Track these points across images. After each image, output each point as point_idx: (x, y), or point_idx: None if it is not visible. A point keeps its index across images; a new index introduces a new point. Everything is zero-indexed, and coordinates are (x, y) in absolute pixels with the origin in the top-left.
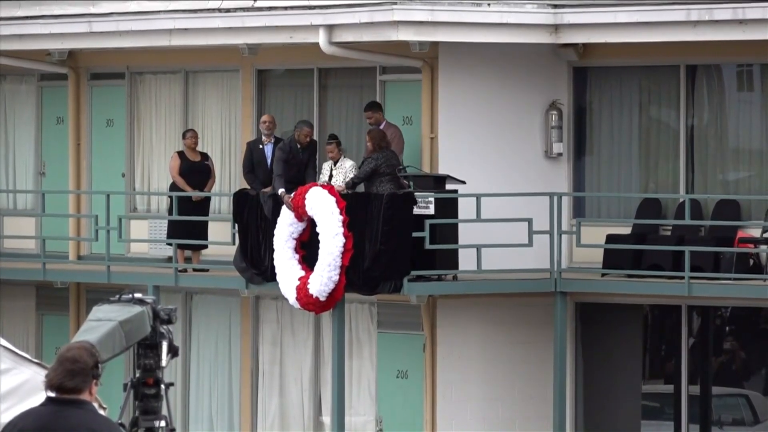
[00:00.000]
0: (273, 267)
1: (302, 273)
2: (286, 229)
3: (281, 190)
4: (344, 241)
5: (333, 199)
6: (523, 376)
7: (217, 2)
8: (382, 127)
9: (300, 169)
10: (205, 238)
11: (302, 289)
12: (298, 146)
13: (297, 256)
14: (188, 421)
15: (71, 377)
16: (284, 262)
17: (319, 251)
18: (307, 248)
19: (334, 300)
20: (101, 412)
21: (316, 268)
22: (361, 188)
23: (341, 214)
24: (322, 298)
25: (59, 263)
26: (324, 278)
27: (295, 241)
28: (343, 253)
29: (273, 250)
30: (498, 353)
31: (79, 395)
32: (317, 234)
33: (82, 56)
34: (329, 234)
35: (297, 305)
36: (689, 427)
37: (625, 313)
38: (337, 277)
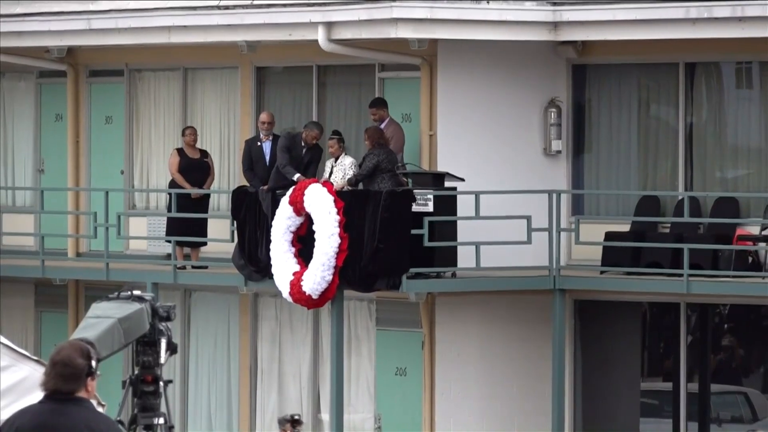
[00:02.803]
0: (271, 264)
1: (297, 267)
2: (283, 222)
3: (297, 175)
4: (339, 241)
5: (331, 198)
6: (522, 373)
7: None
8: (385, 123)
9: (299, 167)
10: (204, 235)
11: (296, 285)
12: (303, 144)
13: (293, 249)
14: (187, 419)
15: (64, 381)
16: (280, 255)
17: (314, 250)
18: (304, 242)
19: (326, 298)
20: (99, 409)
21: (310, 266)
22: (360, 185)
23: (338, 214)
24: (314, 296)
25: (58, 260)
26: (317, 277)
27: (292, 235)
28: (338, 254)
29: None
30: (496, 350)
31: (75, 394)
32: (314, 227)
33: (81, 53)
34: (325, 234)
35: (290, 299)
36: (688, 424)
37: (623, 310)
38: (331, 277)
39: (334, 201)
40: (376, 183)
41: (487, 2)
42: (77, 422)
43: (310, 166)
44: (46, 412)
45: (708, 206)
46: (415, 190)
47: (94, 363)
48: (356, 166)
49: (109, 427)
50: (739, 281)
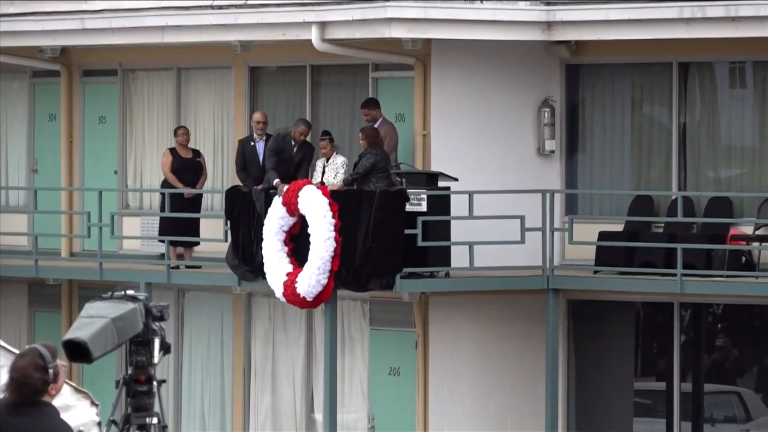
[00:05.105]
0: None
1: (290, 267)
2: (276, 222)
3: (276, 180)
4: (335, 245)
5: (326, 201)
6: (515, 373)
7: None
8: (378, 123)
9: (290, 167)
10: (197, 235)
11: (290, 287)
12: (293, 143)
13: (286, 248)
14: (180, 419)
15: (22, 396)
16: (272, 255)
17: (309, 253)
18: (297, 241)
19: (320, 300)
20: (93, 408)
21: (305, 268)
22: (354, 185)
23: (334, 217)
24: (308, 299)
25: (51, 260)
26: (312, 280)
27: (284, 234)
28: (333, 258)
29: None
30: (490, 350)
31: (37, 400)
32: (308, 227)
33: (74, 53)
34: (320, 238)
35: (283, 299)
36: (681, 424)
37: (617, 310)
38: (326, 281)
39: (329, 204)
40: (369, 183)
41: (481, 2)
42: (34, 426)
43: (302, 165)
44: (7, 412)
45: (701, 206)
46: (408, 190)
47: (51, 371)
48: (347, 165)
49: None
50: (733, 281)
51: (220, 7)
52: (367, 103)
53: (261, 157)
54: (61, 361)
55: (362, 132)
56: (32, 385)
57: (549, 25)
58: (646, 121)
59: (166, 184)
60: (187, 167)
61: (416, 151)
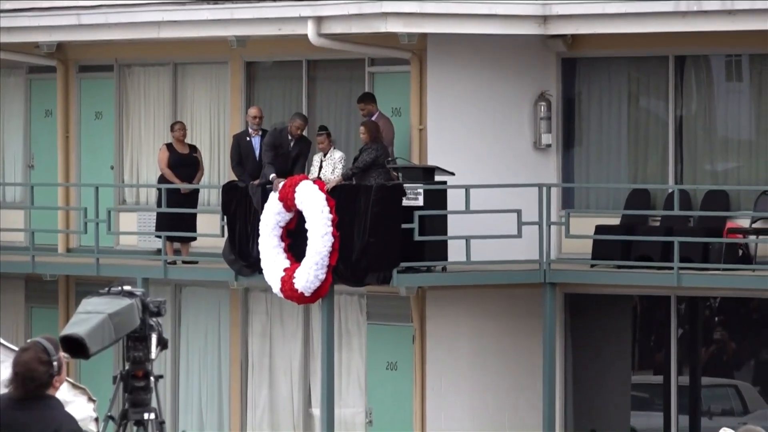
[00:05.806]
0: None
1: (287, 263)
2: (272, 217)
3: (273, 175)
4: (333, 241)
5: (323, 197)
6: (513, 366)
7: None
8: (374, 118)
9: (287, 161)
10: (194, 230)
11: (287, 282)
12: (289, 137)
13: (283, 244)
14: (178, 414)
15: (27, 391)
16: (269, 250)
17: (307, 249)
18: (294, 236)
19: (318, 295)
20: (90, 404)
21: (303, 264)
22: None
23: (331, 212)
24: (307, 294)
25: (48, 256)
26: (311, 276)
27: (281, 230)
28: (331, 253)
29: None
30: (487, 344)
31: (41, 393)
32: (304, 222)
33: (70, 48)
34: (318, 233)
35: (280, 294)
36: (678, 417)
37: (614, 304)
38: (324, 276)
39: (326, 199)
40: (368, 177)
41: None
42: (39, 419)
43: (299, 160)
44: (11, 407)
45: (698, 199)
46: (405, 185)
47: (55, 364)
48: (345, 160)
49: (62, 425)
50: (730, 274)
51: (216, 2)
52: (364, 97)
53: (257, 152)
54: (64, 354)
55: (364, 126)
56: (38, 379)
57: (545, 18)
58: (642, 115)
59: (162, 179)
60: (184, 162)
61: (413, 146)
